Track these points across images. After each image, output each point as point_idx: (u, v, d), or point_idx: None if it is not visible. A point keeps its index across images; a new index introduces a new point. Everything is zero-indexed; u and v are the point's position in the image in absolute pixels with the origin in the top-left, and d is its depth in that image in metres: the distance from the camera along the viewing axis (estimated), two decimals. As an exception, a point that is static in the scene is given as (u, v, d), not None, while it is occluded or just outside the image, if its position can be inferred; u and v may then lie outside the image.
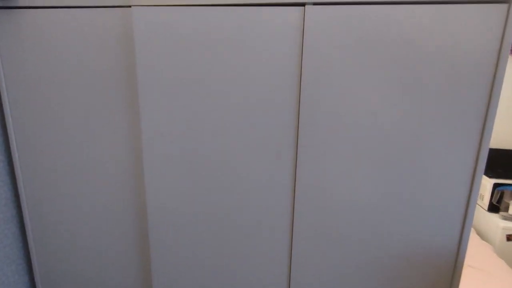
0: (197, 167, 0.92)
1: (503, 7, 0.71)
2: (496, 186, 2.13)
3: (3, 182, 1.04)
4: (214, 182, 0.92)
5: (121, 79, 0.91)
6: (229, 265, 0.98)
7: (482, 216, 2.23)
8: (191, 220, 0.96)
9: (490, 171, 2.30)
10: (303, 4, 0.77)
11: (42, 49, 0.92)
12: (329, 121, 0.83)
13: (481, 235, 2.22)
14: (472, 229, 2.23)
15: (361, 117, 0.82)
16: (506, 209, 2.08)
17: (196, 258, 0.99)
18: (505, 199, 2.10)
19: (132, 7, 0.84)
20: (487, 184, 2.18)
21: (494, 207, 2.15)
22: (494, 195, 2.13)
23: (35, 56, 0.93)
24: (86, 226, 1.04)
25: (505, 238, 2.00)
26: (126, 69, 0.90)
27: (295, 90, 0.83)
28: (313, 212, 0.90)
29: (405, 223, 0.87)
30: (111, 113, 0.94)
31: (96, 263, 1.07)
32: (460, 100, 0.77)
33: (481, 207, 2.26)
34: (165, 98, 0.89)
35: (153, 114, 0.90)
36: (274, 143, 0.87)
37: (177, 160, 0.92)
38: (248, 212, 0.93)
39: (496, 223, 2.06)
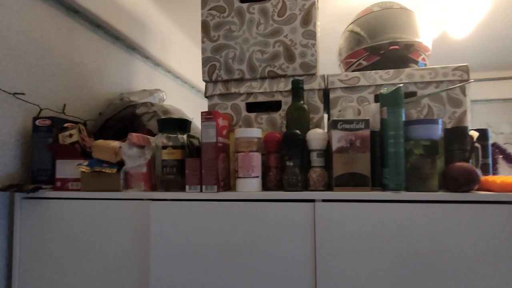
0: None
1: (509, 207, 0.74)
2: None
3: None
4: None
5: (134, 258, 0.91)
6: None
7: None
8: None
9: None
10: (313, 201, 0.83)
11: (61, 231, 0.96)
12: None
13: None
14: None
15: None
16: None
17: None
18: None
19: (149, 201, 0.90)
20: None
21: None
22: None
23: (53, 237, 0.96)
24: None
25: None
26: (139, 251, 0.91)
27: (311, 271, 0.82)
28: None
29: None
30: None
31: None
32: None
33: None
34: (177, 278, 0.87)
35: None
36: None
37: None
38: None
39: None
